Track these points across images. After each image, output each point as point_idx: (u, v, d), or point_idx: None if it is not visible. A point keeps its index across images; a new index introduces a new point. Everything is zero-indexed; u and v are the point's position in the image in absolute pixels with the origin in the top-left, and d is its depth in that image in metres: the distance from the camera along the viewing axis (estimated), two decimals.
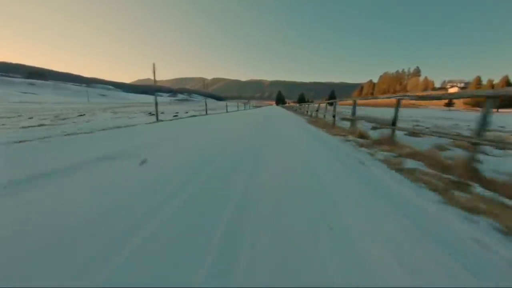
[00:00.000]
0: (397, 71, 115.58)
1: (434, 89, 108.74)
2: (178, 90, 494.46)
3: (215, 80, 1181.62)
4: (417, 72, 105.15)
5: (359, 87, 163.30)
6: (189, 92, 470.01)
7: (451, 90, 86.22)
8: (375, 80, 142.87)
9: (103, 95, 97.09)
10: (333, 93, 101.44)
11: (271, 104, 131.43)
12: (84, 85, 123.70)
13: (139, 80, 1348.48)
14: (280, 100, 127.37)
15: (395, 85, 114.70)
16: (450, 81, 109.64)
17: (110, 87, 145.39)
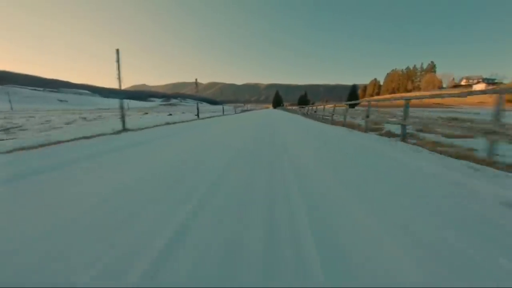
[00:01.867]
0: (408, 68, 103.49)
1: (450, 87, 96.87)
2: (172, 95, 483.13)
3: (211, 84, 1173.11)
4: (432, 68, 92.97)
5: (362, 87, 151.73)
6: (183, 96, 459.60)
7: (477, 87, 73.99)
8: (379, 80, 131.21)
9: (64, 101, 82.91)
10: (354, 89, 75.12)
11: (268, 108, 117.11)
12: (48, 89, 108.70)
13: (134, 86, 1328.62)
14: (278, 102, 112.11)
15: (406, 83, 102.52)
16: (467, 78, 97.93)
17: (86, 91, 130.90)
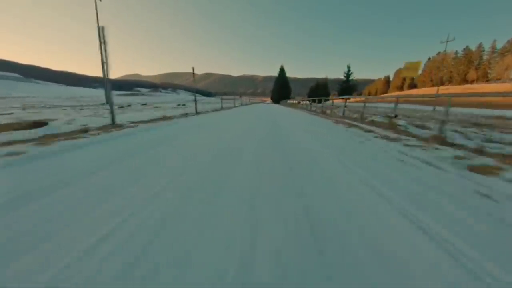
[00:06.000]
0: (467, 48, 73.08)
1: None
2: (161, 85, 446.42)
3: (206, 75, 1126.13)
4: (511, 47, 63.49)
5: (384, 79, 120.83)
6: (175, 87, 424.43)
7: None
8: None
9: None
10: None
11: (265, 101, 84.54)
12: None
13: (126, 76, 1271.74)
14: (282, 92, 63.70)
15: (467, 70, 72.30)
16: None
17: (13, 75, 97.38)
